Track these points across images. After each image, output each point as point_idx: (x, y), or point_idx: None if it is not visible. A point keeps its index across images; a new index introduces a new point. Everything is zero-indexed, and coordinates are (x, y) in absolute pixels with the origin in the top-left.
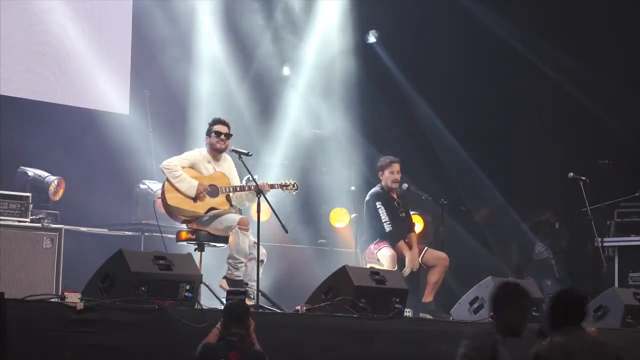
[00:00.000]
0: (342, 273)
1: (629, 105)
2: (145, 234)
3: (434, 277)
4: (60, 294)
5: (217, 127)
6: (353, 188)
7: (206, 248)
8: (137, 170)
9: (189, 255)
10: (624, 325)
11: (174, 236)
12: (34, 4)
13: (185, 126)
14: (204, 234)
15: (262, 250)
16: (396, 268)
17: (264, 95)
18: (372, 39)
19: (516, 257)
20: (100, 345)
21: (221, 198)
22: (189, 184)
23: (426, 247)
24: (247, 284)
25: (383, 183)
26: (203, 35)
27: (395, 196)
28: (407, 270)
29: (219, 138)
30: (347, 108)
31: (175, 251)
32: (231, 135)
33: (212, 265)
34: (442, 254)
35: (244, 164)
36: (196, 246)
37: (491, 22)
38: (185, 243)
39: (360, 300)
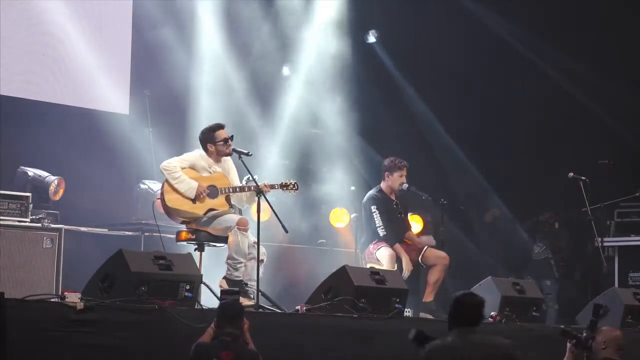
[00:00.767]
0: (342, 273)
1: (629, 105)
2: (145, 234)
3: (434, 276)
4: (60, 294)
5: (221, 133)
6: (353, 188)
7: (206, 248)
8: (137, 170)
9: (189, 255)
10: (624, 325)
11: (174, 236)
12: (34, 4)
13: (185, 126)
14: (204, 234)
15: (262, 250)
16: (396, 268)
17: (264, 95)
18: (372, 38)
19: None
20: (100, 345)
21: (220, 199)
22: (188, 185)
23: (426, 247)
24: (246, 284)
25: (387, 184)
26: (203, 35)
27: (394, 197)
28: (405, 274)
29: (227, 144)
30: (347, 108)
31: (176, 251)
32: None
33: (212, 265)
34: (442, 253)
35: (244, 164)
36: (196, 246)
37: (491, 22)
38: (185, 243)
39: (360, 300)
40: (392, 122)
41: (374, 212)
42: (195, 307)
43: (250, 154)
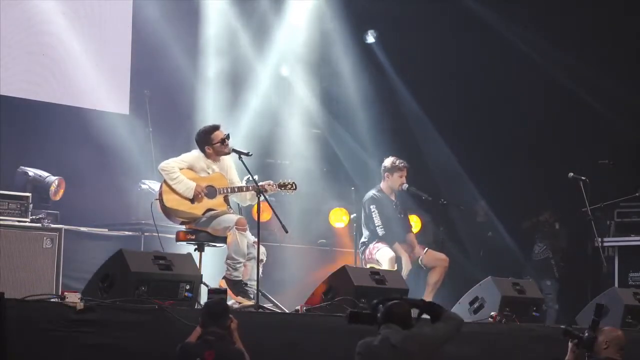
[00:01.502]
0: (342, 273)
1: (630, 104)
2: (145, 234)
3: (433, 277)
4: (60, 294)
5: (218, 134)
6: (353, 188)
7: (206, 248)
8: (137, 170)
9: (189, 255)
10: (624, 325)
11: (173, 236)
12: (34, 5)
13: (185, 126)
14: (204, 234)
15: (262, 249)
16: (395, 268)
17: (264, 95)
18: (370, 39)
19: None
20: (100, 345)
21: (219, 199)
22: (186, 186)
23: (426, 248)
24: (246, 284)
25: (387, 184)
26: (203, 34)
27: (394, 198)
28: (405, 273)
29: (224, 144)
30: (347, 108)
31: (175, 251)
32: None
33: (211, 265)
34: (442, 255)
35: (244, 164)
36: (196, 246)
37: (491, 22)
38: (184, 243)
39: (360, 300)
40: (392, 122)
41: (373, 211)
42: (195, 307)
43: (250, 154)
